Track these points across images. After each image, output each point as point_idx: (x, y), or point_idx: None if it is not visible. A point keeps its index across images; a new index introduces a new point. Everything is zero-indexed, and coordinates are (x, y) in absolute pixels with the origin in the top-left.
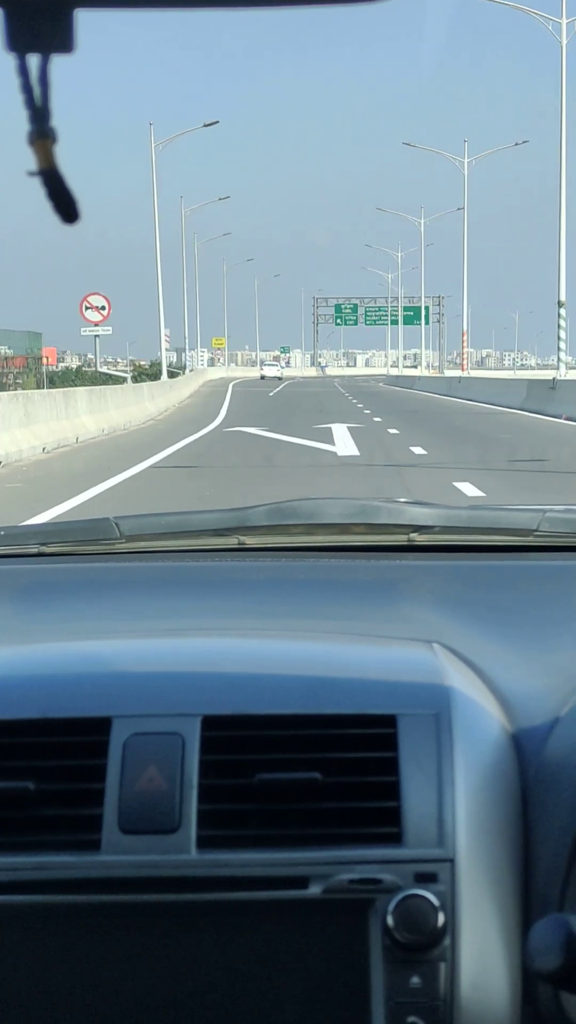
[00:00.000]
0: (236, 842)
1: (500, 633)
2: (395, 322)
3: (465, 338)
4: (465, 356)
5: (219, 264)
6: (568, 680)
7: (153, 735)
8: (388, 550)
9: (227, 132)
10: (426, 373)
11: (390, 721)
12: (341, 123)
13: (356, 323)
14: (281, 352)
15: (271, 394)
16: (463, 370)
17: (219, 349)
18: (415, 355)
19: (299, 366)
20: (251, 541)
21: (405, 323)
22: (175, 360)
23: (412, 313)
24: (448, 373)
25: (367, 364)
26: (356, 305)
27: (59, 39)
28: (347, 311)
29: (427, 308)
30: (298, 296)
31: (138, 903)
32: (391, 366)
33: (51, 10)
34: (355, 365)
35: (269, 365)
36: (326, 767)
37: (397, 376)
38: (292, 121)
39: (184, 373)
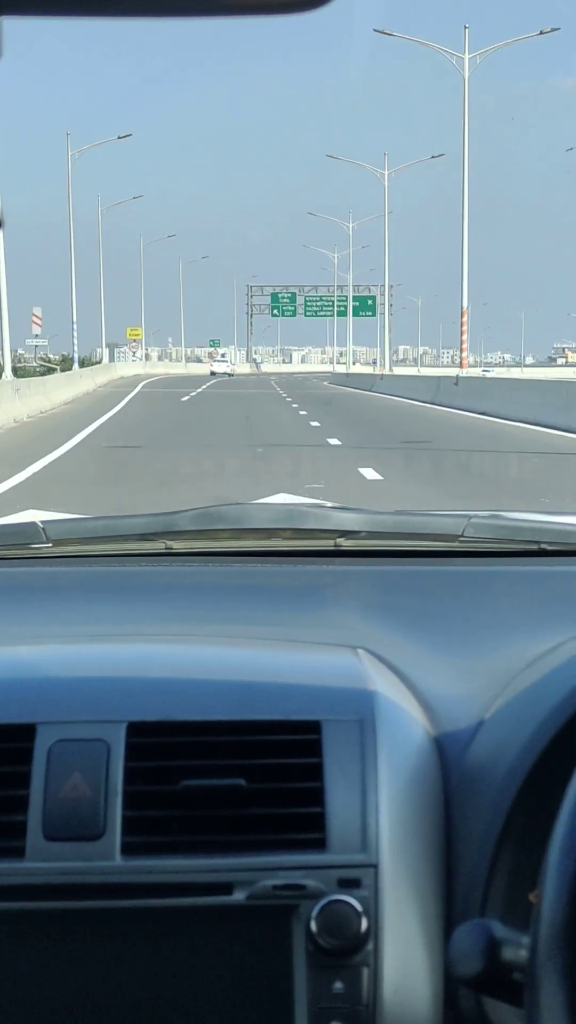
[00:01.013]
0: (161, 848)
1: (425, 638)
2: (341, 313)
3: (464, 325)
4: (465, 347)
5: (142, 257)
6: (491, 685)
7: (78, 741)
8: (315, 555)
9: (151, 138)
10: (368, 370)
11: (314, 727)
12: (273, 133)
13: (295, 314)
14: (211, 345)
15: (185, 399)
16: (462, 366)
17: (134, 340)
18: (347, 353)
19: (232, 362)
20: (178, 546)
21: (354, 315)
22: (87, 356)
23: (358, 304)
24: (409, 370)
25: (303, 361)
26: (295, 294)
27: None
28: (285, 300)
29: (373, 299)
30: (229, 285)
31: (63, 910)
32: (337, 362)
33: None
34: (291, 362)
35: (219, 362)
36: (251, 773)
37: (346, 374)
38: (222, 128)
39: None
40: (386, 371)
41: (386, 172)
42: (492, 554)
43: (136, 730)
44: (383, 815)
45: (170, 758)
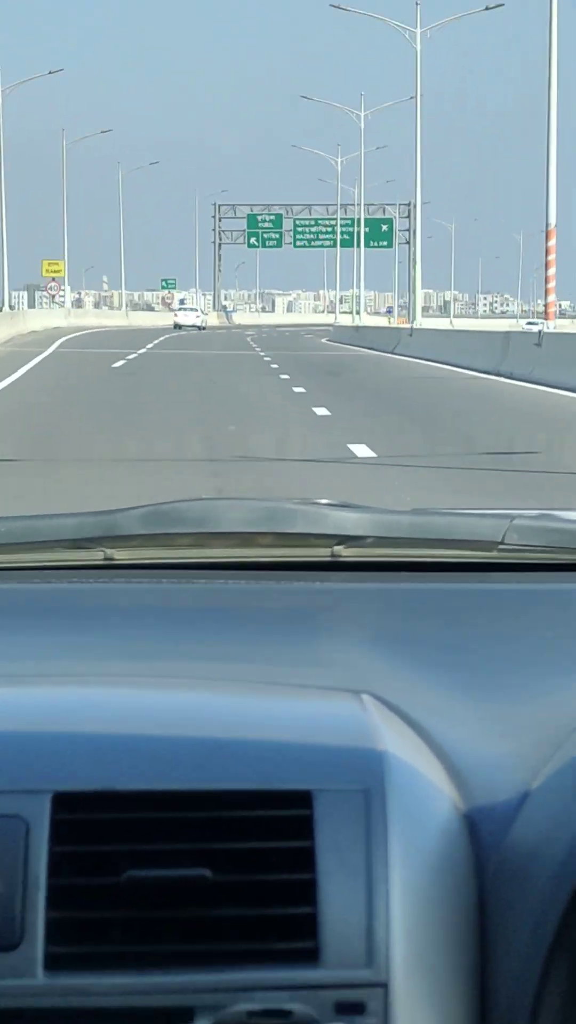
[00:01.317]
0: (97, 961)
1: (451, 680)
2: (346, 243)
3: (551, 252)
4: (551, 285)
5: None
6: (539, 744)
7: None
8: (305, 568)
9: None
10: (383, 322)
11: (304, 799)
12: None
13: (279, 244)
14: (164, 288)
15: (118, 366)
16: (548, 316)
17: (54, 278)
18: (351, 299)
19: (202, 311)
20: (122, 556)
21: (356, 244)
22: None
23: (369, 230)
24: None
25: (289, 309)
26: (280, 216)
27: None
28: (266, 225)
29: (389, 223)
30: (189, 204)
31: None
32: (335, 311)
33: None
34: (272, 310)
35: (185, 310)
36: (218, 861)
37: (355, 328)
38: None
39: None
40: (415, 323)
41: (418, 31)
42: (542, 567)
43: (65, 803)
44: (395, 918)
45: (111, 841)
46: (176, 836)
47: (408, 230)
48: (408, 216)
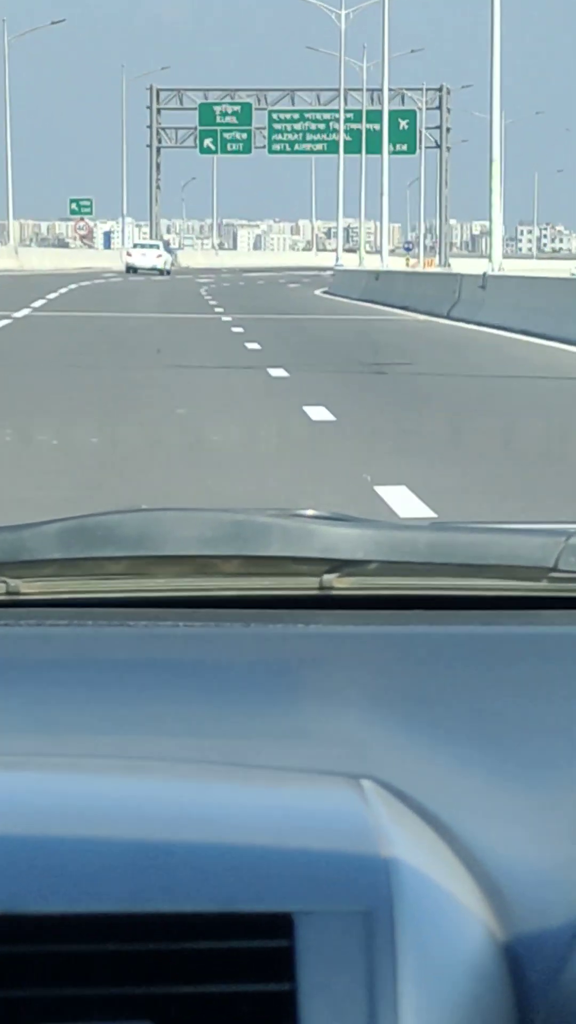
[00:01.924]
0: None
1: (484, 759)
2: (348, 147)
3: None
4: None
5: None
6: None
7: None
8: (285, 605)
9: None
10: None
11: (283, 925)
12: None
13: (247, 148)
14: (75, 213)
15: None
16: None
17: None
18: (346, 231)
19: (164, 249)
20: (31, 588)
21: (369, 151)
22: None
23: (378, 127)
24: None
25: (256, 246)
26: (248, 107)
27: None
28: (228, 120)
29: (411, 117)
30: (114, 88)
31: None
32: (340, 249)
33: None
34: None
35: (143, 248)
36: (167, 1012)
37: (374, 274)
38: None
39: None
40: (495, 264)
41: None
42: None
43: None
44: None
45: (20, 984)
46: (110, 977)
47: (439, 127)
48: (439, 107)
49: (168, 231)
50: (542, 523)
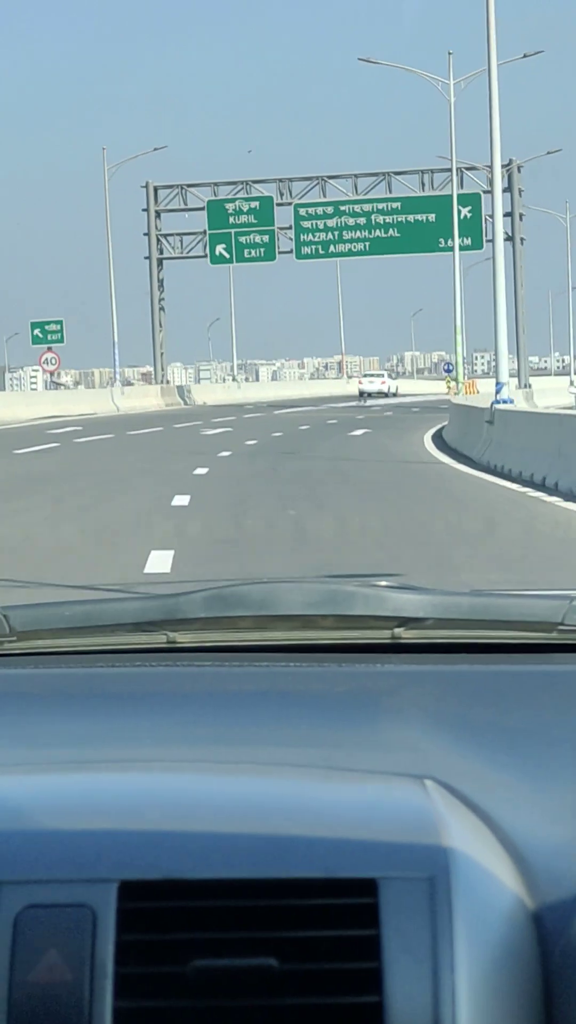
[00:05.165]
0: None
1: (513, 763)
2: (401, 244)
3: None
4: None
5: None
6: None
7: (54, 907)
8: (366, 650)
9: None
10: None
11: (369, 888)
12: None
13: (270, 254)
14: (37, 341)
15: None
16: None
17: None
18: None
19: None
20: (184, 639)
21: (414, 247)
22: None
23: (436, 217)
24: None
25: (273, 378)
26: (270, 200)
27: None
28: (244, 219)
29: (477, 201)
30: (92, 178)
31: None
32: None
33: None
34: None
35: (371, 377)
36: (284, 950)
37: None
38: None
39: None
40: None
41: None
42: None
43: (131, 892)
44: (462, 1007)
45: (177, 930)
46: (242, 925)
47: (507, 214)
48: (509, 188)
49: (168, 370)
50: (553, 590)
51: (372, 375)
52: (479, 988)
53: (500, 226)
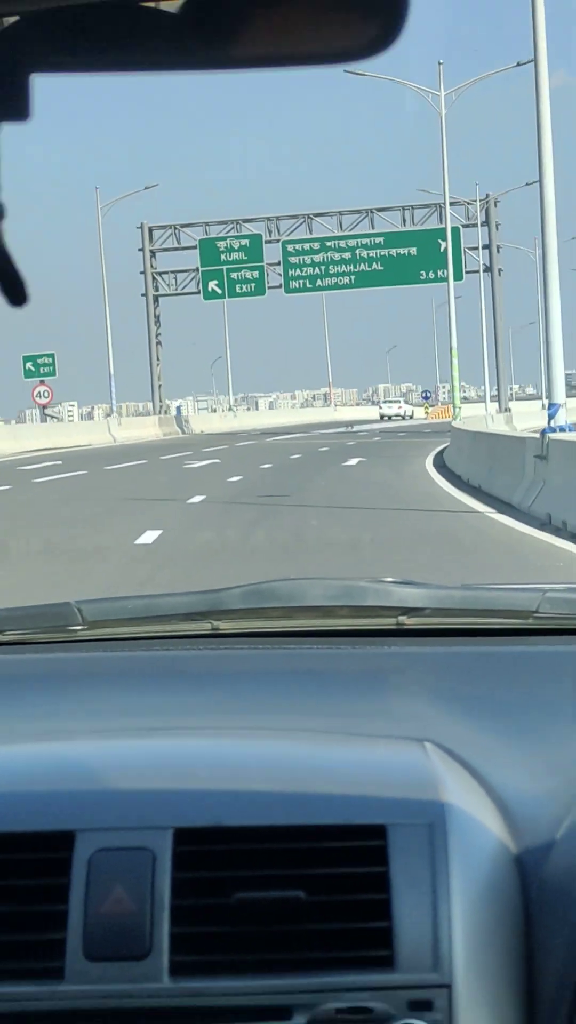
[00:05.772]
0: (212, 968)
1: (497, 728)
2: (389, 275)
3: None
4: None
5: None
6: (572, 782)
7: (120, 851)
8: (375, 635)
9: None
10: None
11: (379, 832)
12: None
13: (259, 289)
14: (30, 375)
15: None
16: None
17: None
18: (455, 376)
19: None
20: (225, 626)
21: (397, 280)
22: None
23: (417, 250)
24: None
25: (271, 408)
26: (259, 239)
27: (13, 106)
28: (235, 256)
29: (455, 233)
30: (85, 217)
31: None
32: (454, 400)
33: (6, 76)
34: (254, 408)
35: (390, 403)
36: (310, 884)
37: (543, 446)
38: None
39: None
40: None
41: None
42: (570, 631)
43: (184, 837)
44: (457, 929)
45: (222, 868)
46: (275, 864)
47: (484, 247)
48: (486, 222)
49: (163, 398)
50: (530, 583)
51: (391, 401)
52: (470, 915)
53: (553, 232)
